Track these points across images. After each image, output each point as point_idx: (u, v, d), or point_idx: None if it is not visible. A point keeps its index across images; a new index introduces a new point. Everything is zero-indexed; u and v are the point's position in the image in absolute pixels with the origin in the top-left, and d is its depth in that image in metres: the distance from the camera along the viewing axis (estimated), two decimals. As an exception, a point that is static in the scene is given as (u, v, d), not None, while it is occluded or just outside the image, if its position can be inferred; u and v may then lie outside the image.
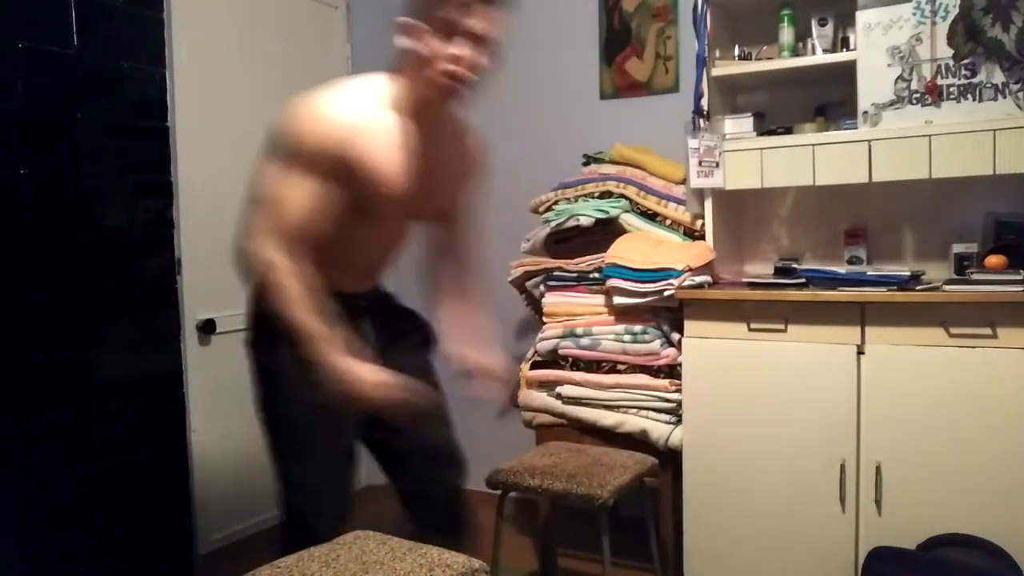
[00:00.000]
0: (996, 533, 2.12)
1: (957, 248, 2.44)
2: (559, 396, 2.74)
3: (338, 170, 1.63)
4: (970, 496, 2.14)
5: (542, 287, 2.89)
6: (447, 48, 1.58)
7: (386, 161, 1.66)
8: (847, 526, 2.29)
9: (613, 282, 2.59)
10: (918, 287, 2.25)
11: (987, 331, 2.11)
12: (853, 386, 2.27)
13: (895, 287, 2.24)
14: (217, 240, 2.98)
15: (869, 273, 2.32)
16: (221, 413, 2.98)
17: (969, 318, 2.13)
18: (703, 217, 2.68)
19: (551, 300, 2.82)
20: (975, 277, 2.20)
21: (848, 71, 2.44)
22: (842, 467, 2.29)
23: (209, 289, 2.94)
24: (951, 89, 2.30)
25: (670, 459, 2.57)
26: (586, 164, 3.01)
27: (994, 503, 2.12)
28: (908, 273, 2.30)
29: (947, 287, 2.20)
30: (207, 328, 2.89)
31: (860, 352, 2.27)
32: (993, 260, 2.26)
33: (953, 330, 2.15)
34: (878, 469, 2.24)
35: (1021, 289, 2.07)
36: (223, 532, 2.96)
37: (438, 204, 1.89)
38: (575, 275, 2.76)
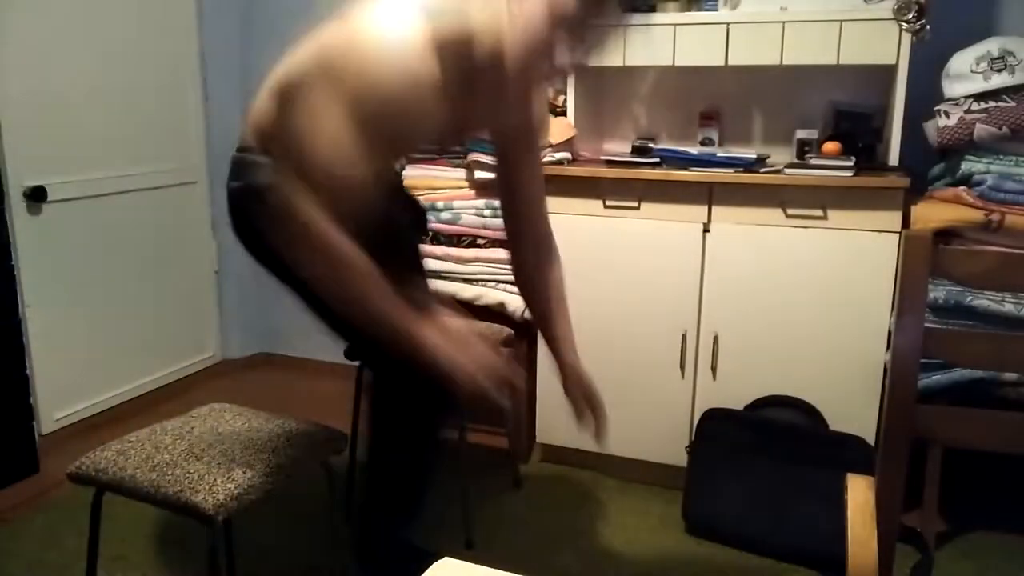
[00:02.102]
0: (811, 394, 2.36)
1: (800, 134, 2.57)
2: (419, 270, 2.74)
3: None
4: (792, 362, 2.37)
5: (403, 159, 2.83)
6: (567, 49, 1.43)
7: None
8: (685, 390, 2.49)
9: (475, 156, 2.57)
10: (762, 169, 2.37)
11: (819, 212, 2.27)
12: (698, 262, 2.41)
13: (741, 169, 2.36)
14: (46, 99, 2.71)
15: (719, 155, 2.42)
16: (58, 288, 2.80)
17: (804, 200, 2.28)
18: (565, 93, 2.68)
19: (412, 173, 2.77)
20: (812, 162, 2.34)
21: (712, -50, 2.45)
22: (683, 337, 2.45)
23: (38, 153, 2.70)
24: (806, -25, 2.36)
25: (525, 329, 2.66)
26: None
27: (811, 368, 2.35)
28: (755, 156, 2.41)
29: (787, 170, 2.33)
30: (36, 196, 2.66)
31: (706, 230, 2.39)
32: (829, 146, 2.41)
33: (790, 211, 2.30)
34: (715, 339, 2.42)
35: (850, 174, 2.23)
36: (65, 411, 2.85)
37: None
38: (436, 148, 2.71)
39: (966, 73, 2.19)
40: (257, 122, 1.67)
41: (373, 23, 1.39)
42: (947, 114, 2.20)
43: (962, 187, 2.17)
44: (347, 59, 1.39)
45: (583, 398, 1.82)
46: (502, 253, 2.63)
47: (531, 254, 1.81)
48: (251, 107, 1.69)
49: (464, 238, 2.67)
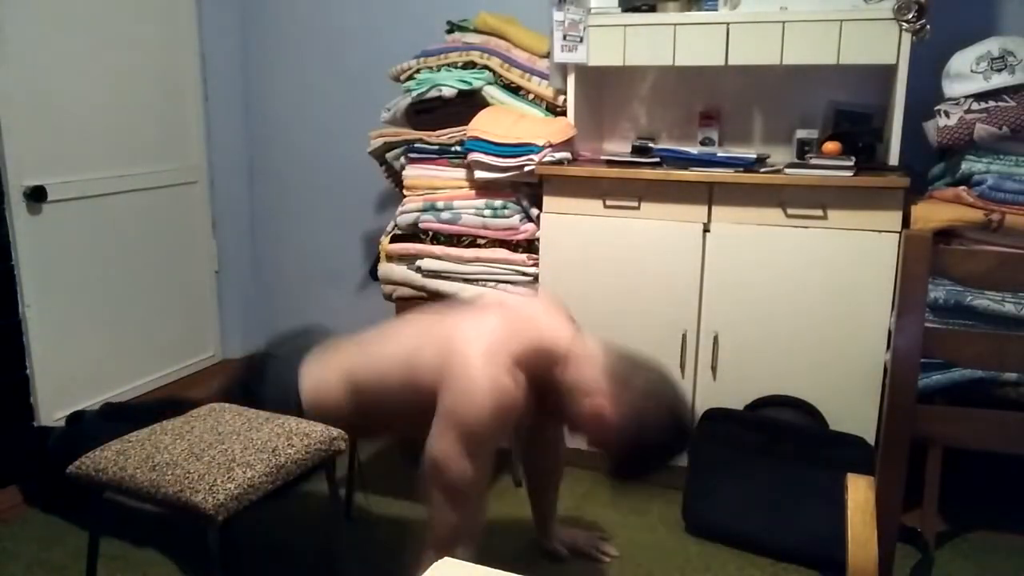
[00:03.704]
0: (811, 394, 2.36)
1: (800, 133, 2.57)
2: (419, 270, 2.74)
3: None
4: (791, 362, 2.37)
5: (403, 159, 2.84)
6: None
7: None
8: (685, 390, 2.48)
9: (475, 156, 2.57)
10: (762, 169, 2.37)
11: (819, 212, 2.27)
12: (698, 262, 2.41)
13: (741, 168, 2.36)
14: (46, 99, 2.71)
15: (719, 154, 2.42)
16: (58, 288, 2.80)
17: (804, 200, 2.28)
18: (565, 93, 2.68)
19: (412, 172, 2.77)
20: (812, 162, 2.34)
21: (712, -50, 2.45)
22: (683, 337, 2.45)
23: (38, 153, 2.70)
24: (806, -25, 2.37)
25: (526, 331, 2.66)
26: (450, 32, 2.92)
27: (811, 368, 2.35)
28: (754, 156, 2.41)
29: (788, 170, 2.33)
30: (36, 196, 2.66)
31: (706, 230, 2.39)
32: (829, 146, 2.41)
33: (790, 211, 2.30)
34: (715, 339, 2.42)
35: (850, 174, 2.22)
36: (65, 411, 2.85)
37: None
38: (436, 147, 2.71)
39: (966, 73, 2.19)
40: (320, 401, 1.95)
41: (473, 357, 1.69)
42: (947, 114, 2.20)
43: (962, 187, 2.17)
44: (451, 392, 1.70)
45: (574, 548, 2.25)
46: (502, 253, 2.63)
47: (541, 457, 2.18)
48: (310, 375, 1.97)
49: (464, 238, 2.67)
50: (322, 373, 1.93)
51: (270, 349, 2.09)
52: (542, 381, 1.77)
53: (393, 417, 1.89)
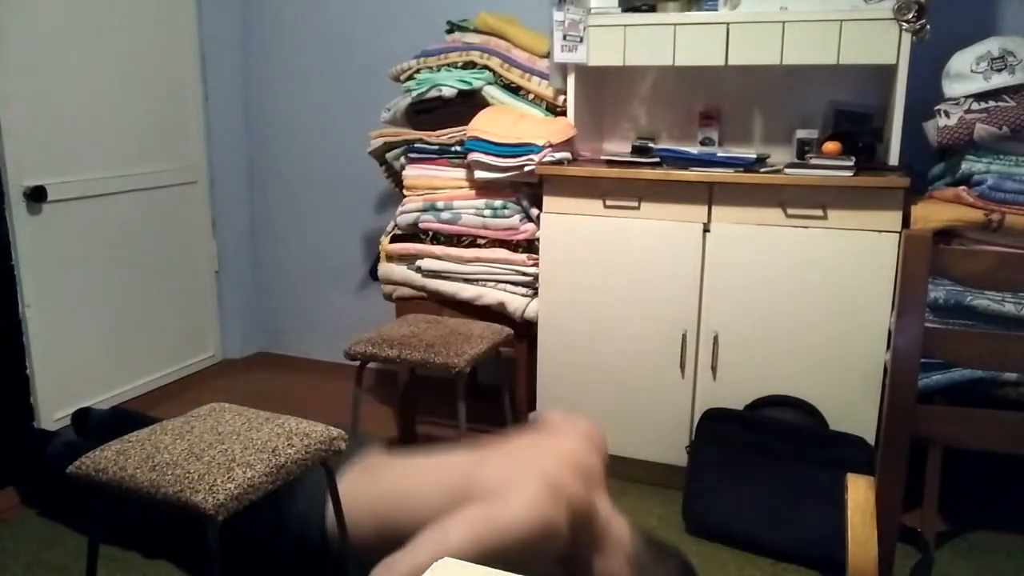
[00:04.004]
0: (811, 394, 2.36)
1: (800, 133, 2.57)
2: (419, 269, 2.75)
3: None
4: (792, 362, 2.36)
5: (403, 159, 2.84)
6: None
7: None
8: (685, 390, 2.48)
9: (475, 156, 2.57)
10: (762, 169, 2.37)
11: (819, 212, 2.27)
12: (698, 262, 2.41)
13: (741, 168, 2.36)
14: (46, 99, 2.71)
15: (719, 154, 2.42)
16: (58, 288, 2.80)
17: (804, 200, 2.28)
18: (565, 93, 2.68)
19: (412, 172, 2.77)
20: (812, 162, 2.34)
21: (712, -50, 2.45)
22: (683, 337, 2.45)
23: (38, 153, 2.70)
24: (806, -25, 2.37)
25: (525, 330, 2.66)
26: (450, 32, 2.92)
27: (811, 368, 2.35)
28: (754, 156, 2.41)
29: (788, 170, 2.33)
30: (37, 196, 2.66)
31: (706, 230, 2.39)
32: (830, 146, 2.41)
33: (790, 211, 2.30)
34: (715, 339, 2.42)
35: (850, 174, 2.22)
36: (65, 411, 2.85)
37: None
38: (437, 147, 2.72)
39: (966, 73, 2.19)
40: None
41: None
42: (947, 114, 2.20)
43: (962, 187, 2.17)
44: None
45: None
46: (502, 253, 2.63)
47: None
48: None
49: (464, 238, 2.67)
50: (351, 501, 1.84)
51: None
52: (573, 543, 1.70)
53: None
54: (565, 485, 1.64)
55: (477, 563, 1.53)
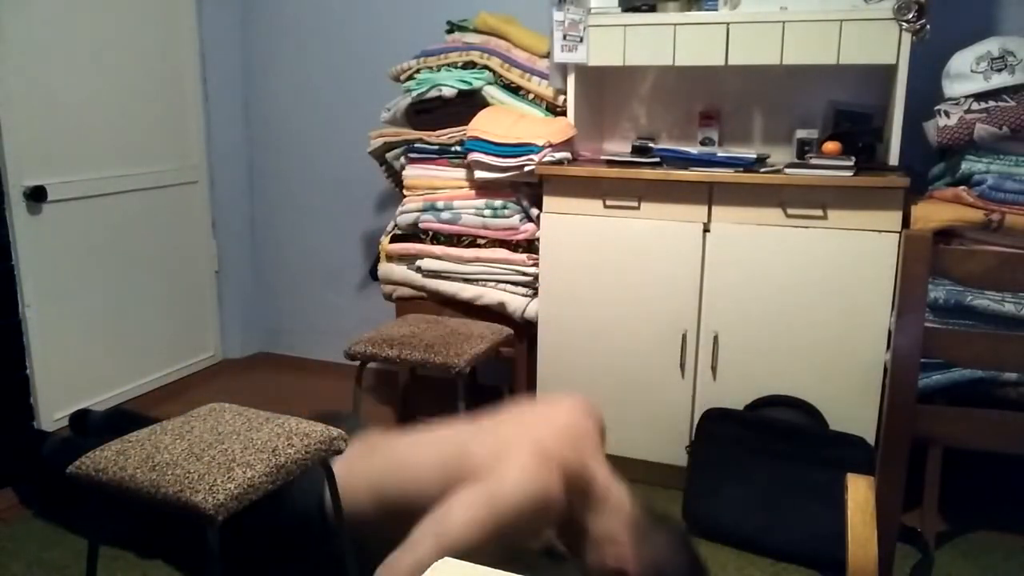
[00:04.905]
0: (811, 394, 2.36)
1: (800, 133, 2.57)
2: (419, 269, 2.75)
3: None
4: (792, 362, 2.36)
5: (403, 159, 2.84)
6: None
7: None
8: (685, 390, 2.48)
9: (475, 156, 2.57)
10: (762, 169, 2.37)
11: (819, 212, 2.27)
12: (698, 262, 2.41)
13: (741, 168, 2.35)
14: (46, 99, 2.71)
15: (719, 154, 2.42)
16: (58, 288, 2.80)
17: (804, 200, 2.28)
18: (565, 93, 2.68)
19: (412, 172, 2.77)
20: (812, 162, 2.34)
21: (712, -50, 2.45)
22: (683, 337, 2.45)
23: (38, 153, 2.70)
24: (806, -25, 2.37)
25: (525, 330, 2.66)
26: (450, 32, 2.92)
27: (811, 368, 2.35)
28: (754, 156, 2.41)
29: (788, 170, 2.33)
30: (36, 196, 2.66)
31: (706, 230, 2.39)
32: (830, 146, 2.41)
33: (790, 211, 2.30)
34: (715, 339, 2.42)
35: (850, 174, 2.22)
36: (65, 411, 2.85)
37: None
38: (437, 147, 2.72)
39: (966, 73, 2.19)
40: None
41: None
42: (947, 114, 2.20)
43: (962, 187, 2.17)
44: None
45: None
46: (502, 253, 2.63)
47: None
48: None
49: (464, 238, 2.67)
50: (349, 478, 1.85)
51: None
52: (570, 509, 1.73)
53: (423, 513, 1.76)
54: (557, 452, 1.66)
55: (480, 544, 1.56)
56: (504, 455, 1.65)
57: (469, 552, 1.56)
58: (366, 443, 1.94)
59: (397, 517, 1.74)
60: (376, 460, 1.88)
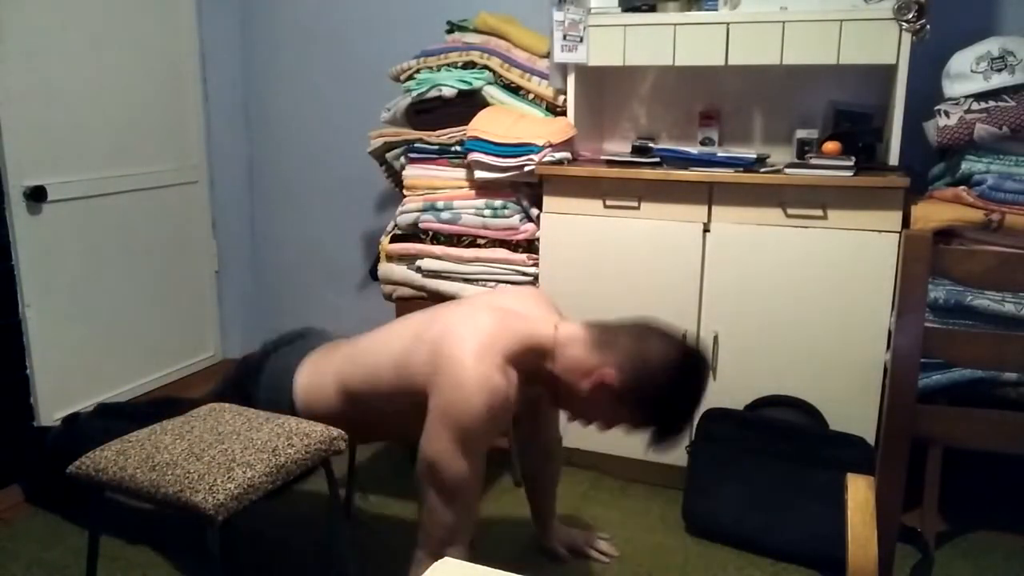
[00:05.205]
0: (811, 394, 2.36)
1: (800, 133, 2.57)
2: (419, 269, 2.75)
3: None
4: (792, 362, 2.36)
5: (403, 159, 2.84)
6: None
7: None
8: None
9: (475, 156, 2.57)
10: (762, 169, 2.37)
11: (819, 212, 2.27)
12: (698, 262, 2.41)
13: (741, 168, 2.35)
14: (46, 99, 2.71)
15: (719, 154, 2.42)
16: (58, 288, 2.80)
17: (804, 200, 2.28)
18: (565, 93, 2.68)
19: (412, 172, 2.77)
20: (812, 162, 2.34)
21: (712, -50, 2.45)
22: (683, 337, 2.44)
23: (38, 153, 2.70)
24: (806, -25, 2.37)
25: (526, 331, 2.66)
26: (449, 32, 2.92)
27: (811, 368, 2.35)
28: (754, 156, 2.41)
29: (788, 170, 2.33)
30: (36, 196, 2.66)
31: (706, 230, 2.39)
32: (830, 146, 2.41)
33: (790, 211, 2.30)
34: (715, 339, 2.42)
35: (850, 174, 2.22)
36: (65, 411, 2.85)
37: None
38: (437, 147, 2.71)
39: (966, 73, 2.19)
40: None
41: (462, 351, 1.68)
42: (947, 114, 2.20)
43: (962, 187, 2.17)
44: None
45: (574, 548, 2.24)
46: (502, 253, 2.63)
47: (539, 457, 2.17)
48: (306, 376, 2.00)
49: (464, 238, 2.67)
50: (315, 376, 1.94)
51: (266, 350, 2.09)
52: (535, 375, 1.77)
53: (387, 419, 1.88)
54: (500, 342, 1.69)
55: (474, 466, 1.64)
56: (441, 361, 1.68)
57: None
58: (330, 348, 2.01)
59: (360, 406, 1.87)
60: (338, 356, 1.94)
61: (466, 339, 1.67)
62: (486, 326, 1.71)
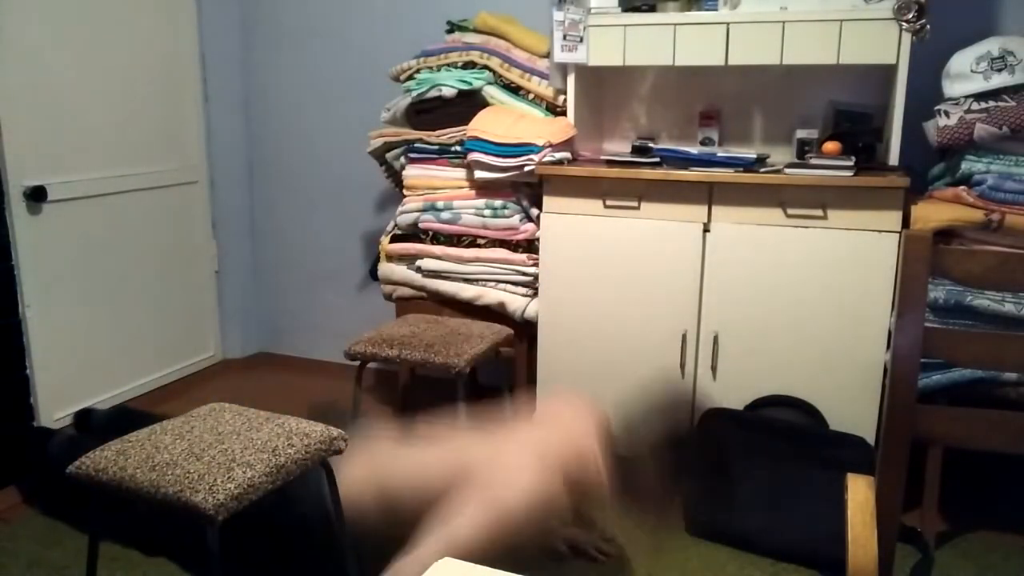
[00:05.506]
0: (811, 394, 2.36)
1: (800, 133, 2.57)
2: (419, 269, 2.75)
3: None
4: (792, 362, 2.36)
5: (403, 159, 2.84)
6: None
7: None
8: (685, 390, 2.48)
9: (475, 156, 2.57)
10: (762, 169, 2.37)
11: (819, 212, 2.27)
12: (698, 262, 2.41)
13: (741, 168, 2.35)
14: (46, 99, 2.71)
15: (719, 154, 2.42)
16: (58, 288, 2.80)
17: (804, 200, 2.28)
18: (565, 93, 2.68)
19: (412, 172, 2.77)
20: (812, 161, 2.34)
21: (712, -50, 2.45)
22: (683, 337, 2.45)
23: (38, 153, 2.70)
24: (806, -25, 2.37)
25: (525, 330, 2.66)
26: (450, 32, 2.92)
27: (811, 368, 2.35)
28: (754, 156, 2.41)
29: (787, 170, 2.33)
30: (36, 196, 2.66)
31: (706, 230, 2.39)
32: (830, 146, 2.41)
33: (790, 211, 2.30)
34: (715, 339, 2.42)
35: (850, 174, 2.22)
36: (65, 411, 2.85)
37: None
38: (437, 147, 2.72)
39: (966, 73, 2.19)
40: None
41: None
42: (947, 114, 2.20)
43: (962, 187, 2.17)
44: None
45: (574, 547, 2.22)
46: (502, 253, 2.63)
47: None
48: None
49: (464, 238, 2.67)
50: (350, 478, 1.91)
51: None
52: (574, 503, 1.81)
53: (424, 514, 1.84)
54: (558, 456, 1.71)
55: (486, 550, 1.59)
56: (507, 461, 1.67)
57: (473, 557, 1.58)
58: (370, 444, 1.97)
59: (399, 517, 1.78)
60: (380, 461, 1.90)
61: (526, 453, 1.72)
62: (555, 442, 1.78)
